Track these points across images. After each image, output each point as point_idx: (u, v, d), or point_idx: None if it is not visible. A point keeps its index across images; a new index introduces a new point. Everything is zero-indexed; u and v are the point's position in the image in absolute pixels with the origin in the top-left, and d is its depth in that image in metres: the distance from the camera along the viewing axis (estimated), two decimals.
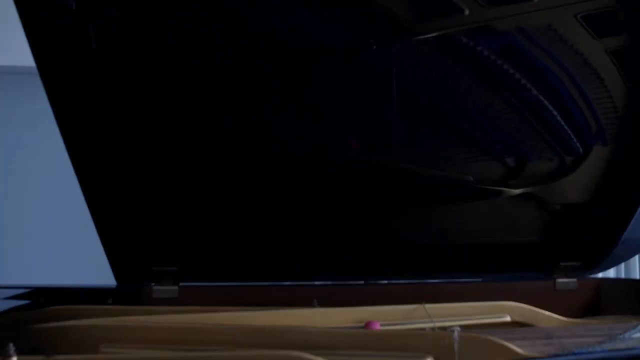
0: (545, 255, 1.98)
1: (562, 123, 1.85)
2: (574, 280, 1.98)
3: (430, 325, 1.56)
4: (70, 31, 1.41)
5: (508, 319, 1.73)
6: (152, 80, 1.53)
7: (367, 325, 1.55)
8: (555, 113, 1.83)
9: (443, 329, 1.41)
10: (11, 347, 1.05)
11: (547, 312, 1.75)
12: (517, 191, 1.91)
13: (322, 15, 1.59)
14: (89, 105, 1.48)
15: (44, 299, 1.57)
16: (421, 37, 1.66)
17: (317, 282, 1.79)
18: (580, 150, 1.91)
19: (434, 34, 1.66)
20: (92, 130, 1.50)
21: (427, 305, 1.62)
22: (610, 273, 3.21)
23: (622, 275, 3.41)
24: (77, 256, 3.24)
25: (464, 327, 1.56)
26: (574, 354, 1.34)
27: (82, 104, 1.47)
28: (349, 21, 1.62)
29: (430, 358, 1.27)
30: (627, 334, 1.48)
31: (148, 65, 1.52)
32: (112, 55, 1.47)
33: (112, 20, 1.43)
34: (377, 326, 1.54)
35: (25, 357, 1.08)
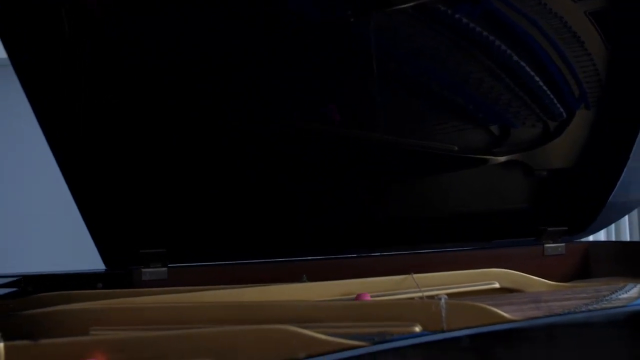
0: (533, 222, 1.99)
1: (545, 88, 1.85)
2: (562, 245, 2.00)
3: (419, 294, 1.57)
4: (41, 14, 1.39)
5: (497, 285, 1.73)
6: (131, 60, 1.52)
7: (358, 298, 1.55)
8: (537, 78, 1.83)
9: (432, 297, 1.41)
10: None
11: (535, 278, 1.76)
12: (502, 159, 1.91)
13: None
14: (66, 88, 1.46)
15: (33, 287, 1.56)
16: (398, 7, 1.65)
17: (305, 257, 1.79)
18: (564, 114, 1.91)
19: (411, 4, 1.65)
20: (70, 113, 1.48)
21: (416, 275, 1.62)
22: (601, 235, 3.23)
23: (613, 238, 3.43)
24: (65, 242, 3.23)
25: (453, 295, 1.57)
26: (559, 315, 1.35)
27: (58, 87, 1.46)
28: None
29: (418, 326, 1.27)
30: (613, 295, 1.49)
31: (127, 45, 1.50)
32: (87, 37, 1.45)
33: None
34: (368, 298, 1.54)
35: (11, 342, 1.08)
